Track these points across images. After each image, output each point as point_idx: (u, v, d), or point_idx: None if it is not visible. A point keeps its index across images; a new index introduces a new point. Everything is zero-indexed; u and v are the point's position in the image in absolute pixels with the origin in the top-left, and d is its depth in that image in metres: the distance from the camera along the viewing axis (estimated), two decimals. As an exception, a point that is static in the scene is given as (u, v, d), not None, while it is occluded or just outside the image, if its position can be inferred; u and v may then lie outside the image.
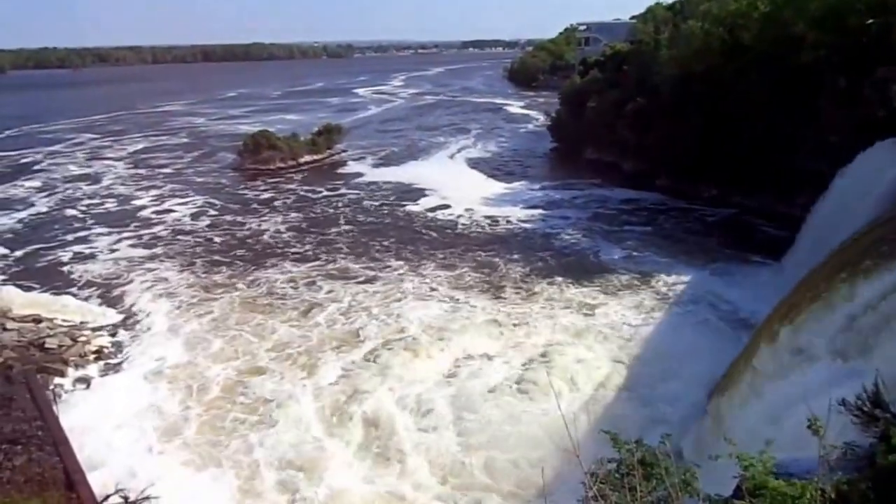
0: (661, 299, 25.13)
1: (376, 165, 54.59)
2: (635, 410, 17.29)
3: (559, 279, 27.39)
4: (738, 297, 24.37)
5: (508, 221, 36.53)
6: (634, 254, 30.30)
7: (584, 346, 21.54)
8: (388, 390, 19.37)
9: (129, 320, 24.93)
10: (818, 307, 14.12)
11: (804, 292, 15.96)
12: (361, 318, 24.35)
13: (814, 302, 14.52)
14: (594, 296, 25.57)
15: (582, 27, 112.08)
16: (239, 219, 39.10)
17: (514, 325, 23.36)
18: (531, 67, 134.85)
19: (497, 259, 30.41)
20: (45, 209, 42.98)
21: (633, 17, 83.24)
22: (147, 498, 13.05)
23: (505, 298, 25.93)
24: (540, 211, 38.17)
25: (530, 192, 42.80)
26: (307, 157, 54.81)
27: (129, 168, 57.08)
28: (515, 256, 30.61)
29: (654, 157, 41.33)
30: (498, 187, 44.42)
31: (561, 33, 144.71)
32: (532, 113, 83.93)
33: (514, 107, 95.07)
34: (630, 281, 26.94)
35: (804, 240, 24.93)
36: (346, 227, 36.71)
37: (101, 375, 21.04)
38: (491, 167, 51.69)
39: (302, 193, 45.23)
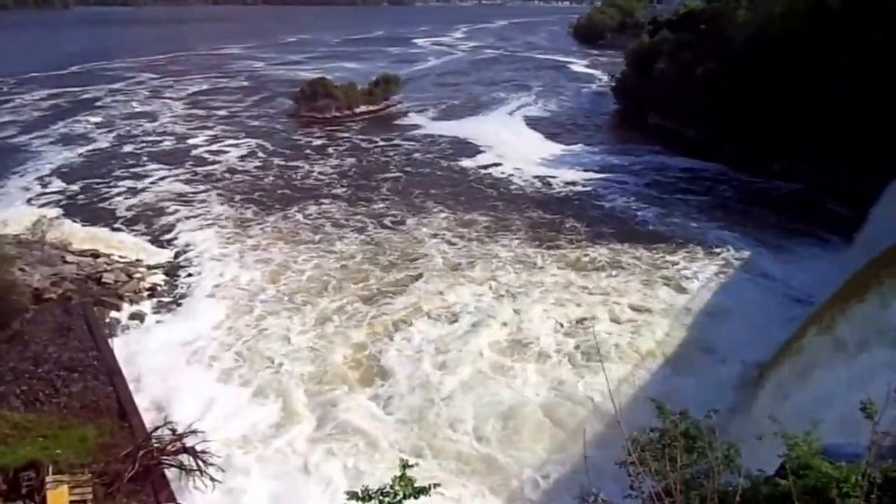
0: (717, 272, 24.24)
1: (432, 119, 53.81)
2: (682, 383, 16.95)
3: (611, 245, 26.74)
4: (799, 275, 23.38)
5: (564, 183, 35.58)
6: (693, 225, 29.19)
7: (633, 314, 21.10)
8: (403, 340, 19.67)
9: (180, 259, 25.55)
10: (885, 289, 13.27)
11: (870, 275, 15.09)
12: (392, 255, 25.43)
13: (880, 284, 13.68)
14: (647, 265, 24.83)
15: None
16: (289, 163, 39.59)
17: (563, 286, 23.06)
18: (598, 24, 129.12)
19: (549, 220, 29.90)
20: (104, 145, 44.19)
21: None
22: (194, 431, 13.40)
23: (553, 260, 25.43)
24: (596, 175, 37.02)
25: (588, 155, 41.47)
26: (363, 107, 54.48)
27: (186, 108, 58.03)
28: (568, 219, 29.96)
29: (720, 126, 39.25)
30: (556, 148, 43.23)
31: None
32: (596, 72, 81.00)
33: (578, 65, 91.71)
34: (685, 252, 26.02)
35: (877, 219, 23.32)
36: (395, 177, 36.87)
37: (154, 312, 21.65)
38: (550, 127, 50.24)
39: (354, 142, 45.17)
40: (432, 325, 20.57)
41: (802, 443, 5.16)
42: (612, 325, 20.56)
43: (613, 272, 24.35)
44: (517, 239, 27.71)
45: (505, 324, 20.63)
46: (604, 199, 33.24)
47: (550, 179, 36.17)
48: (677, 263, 25.05)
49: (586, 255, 25.90)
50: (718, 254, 25.78)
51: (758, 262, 25.08)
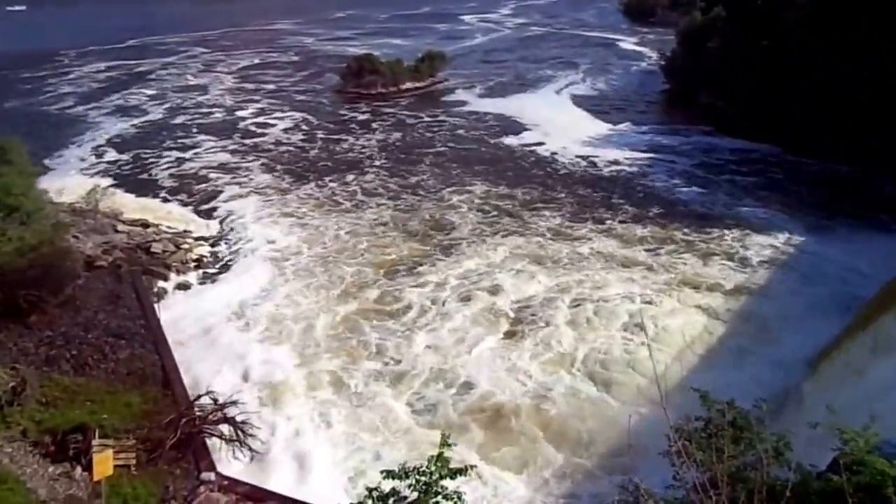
0: (768, 255, 23.49)
1: (478, 95, 53.14)
2: (730, 371, 16.35)
3: (659, 227, 26.09)
4: (855, 260, 22.35)
5: (610, 162, 34.79)
6: (743, 208, 28.16)
7: (681, 298, 20.55)
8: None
9: (225, 229, 26.11)
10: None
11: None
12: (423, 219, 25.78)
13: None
14: (695, 248, 24.13)
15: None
16: (333, 136, 40.11)
17: (605, 260, 22.93)
18: (649, 1, 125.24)
19: (593, 197, 29.57)
20: (157, 116, 45.37)
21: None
22: (234, 402, 13.63)
23: (596, 235, 25.20)
24: (644, 154, 36.05)
25: (636, 135, 40.38)
26: (409, 84, 54.19)
27: (236, 82, 58.98)
28: (613, 197, 29.47)
29: (774, 106, 37.61)
30: (603, 127, 42.25)
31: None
32: (645, 50, 78.45)
33: (627, 42, 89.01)
34: (735, 236, 25.15)
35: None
36: (437, 152, 36.92)
37: (199, 282, 22.09)
38: (597, 105, 49.05)
39: (399, 118, 45.17)
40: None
41: (858, 438, 4.97)
42: (657, 304, 20.12)
43: (660, 250, 23.91)
44: (559, 213, 27.58)
45: (534, 294, 20.77)
46: (651, 178, 32.43)
47: (596, 158, 35.41)
48: (727, 245, 24.37)
49: (632, 233, 25.51)
50: (770, 235, 24.93)
51: (812, 245, 24.16)
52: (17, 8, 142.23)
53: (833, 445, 5.09)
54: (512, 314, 19.78)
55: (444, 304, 20.32)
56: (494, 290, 21.06)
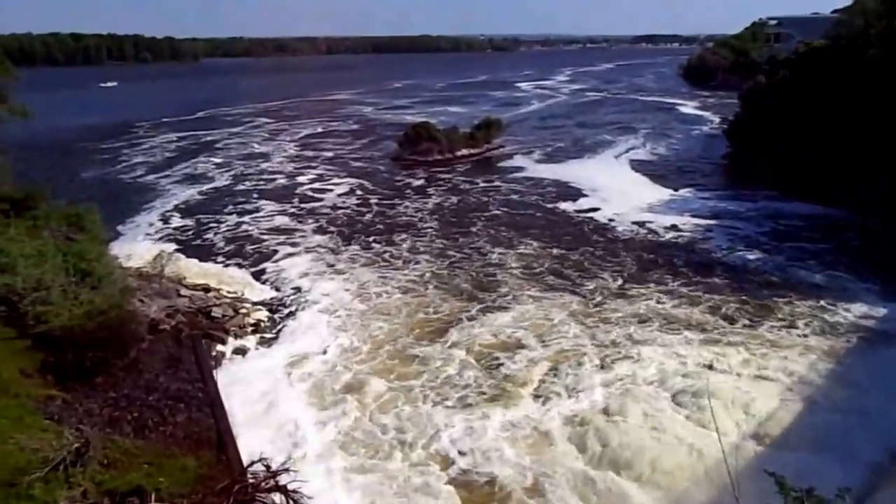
0: (847, 330, 21.84)
1: (534, 161, 53.49)
2: (807, 456, 14.91)
3: (724, 293, 24.91)
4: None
5: (671, 228, 33.93)
6: (818, 277, 26.67)
7: (755, 372, 19.14)
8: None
9: (282, 294, 26.44)
10: None
11: None
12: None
13: None
14: (768, 321, 22.66)
15: (772, 21, 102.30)
16: (387, 201, 40.90)
17: (664, 327, 21.80)
18: (710, 64, 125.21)
19: (652, 263, 28.68)
20: (221, 183, 47.38)
21: (834, 12, 74.10)
22: (287, 469, 13.29)
23: (657, 304, 24.16)
24: (707, 220, 35.02)
25: (699, 201, 39.45)
26: (464, 151, 55.06)
27: (297, 150, 61.47)
28: (674, 264, 28.50)
29: (845, 170, 36.19)
30: (664, 193, 41.53)
31: (747, 28, 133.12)
32: (707, 114, 78.15)
33: (688, 107, 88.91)
34: (811, 308, 23.59)
35: None
36: (490, 216, 37.10)
37: (257, 347, 22.23)
38: (657, 170, 48.61)
39: (453, 184, 45.72)
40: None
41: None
42: (725, 374, 18.97)
43: (727, 317, 22.80)
44: (618, 278, 26.98)
45: (595, 362, 19.83)
46: (715, 244, 31.39)
47: (656, 224, 34.63)
48: (801, 312, 22.98)
49: (694, 298, 24.55)
50: (848, 309, 23.29)
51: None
52: (108, 84, 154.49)
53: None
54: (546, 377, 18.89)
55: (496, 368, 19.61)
56: (537, 348, 20.31)
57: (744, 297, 24.44)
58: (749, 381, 18.64)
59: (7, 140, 23.33)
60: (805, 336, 21.37)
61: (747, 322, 22.49)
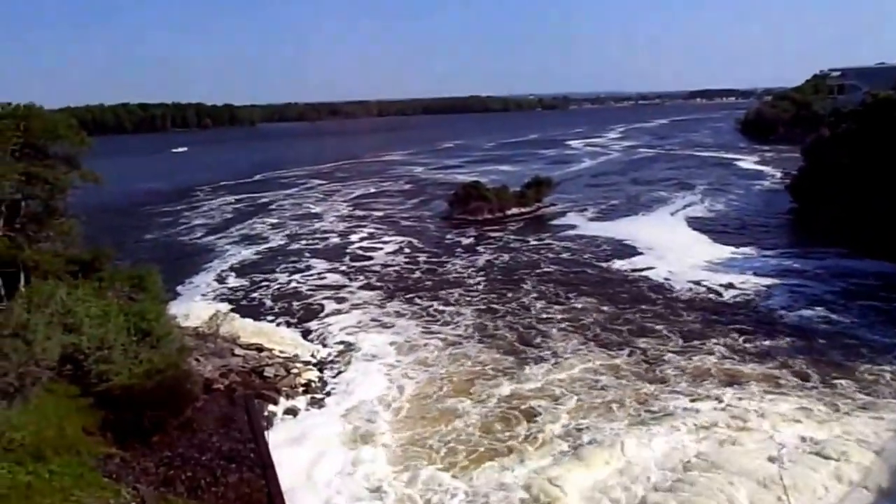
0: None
1: (586, 219, 53.04)
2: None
3: (796, 366, 23.22)
4: None
5: (731, 287, 32.59)
6: (891, 339, 24.96)
7: (813, 446, 17.67)
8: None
9: (331, 355, 26.56)
10: None
11: None
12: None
13: None
14: (844, 393, 20.97)
15: (835, 73, 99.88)
16: (437, 259, 41.32)
17: (732, 416, 19.97)
18: (769, 118, 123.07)
19: (713, 325, 27.57)
20: (276, 244, 48.82)
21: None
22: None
23: (729, 383, 22.39)
24: (772, 280, 33.36)
25: (761, 259, 37.89)
26: (515, 210, 55.19)
27: (349, 210, 63.12)
28: (732, 328, 27.08)
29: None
30: (724, 251, 40.03)
31: (808, 80, 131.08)
32: (767, 169, 76.31)
33: (747, 161, 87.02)
34: (886, 373, 22.03)
35: None
36: (540, 274, 36.81)
37: (307, 408, 22.15)
38: (716, 227, 47.36)
39: (503, 242, 45.69)
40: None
41: None
42: (801, 445, 17.73)
43: (798, 382, 21.78)
44: (669, 336, 26.48)
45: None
46: (781, 304, 29.91)
47: (715, 283, 33.29)
48: (881, 389, 21.16)
49: (759, 362, 23.52)
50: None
51: None
52: (179, 150, 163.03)
53: None
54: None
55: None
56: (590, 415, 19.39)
57: (816, 366, 22.89)
58: (815, 458, 17.11)
59: (79, 205, 24.40)
60: (882, 409, 19.63)
61: (831, 400, 20.62)
